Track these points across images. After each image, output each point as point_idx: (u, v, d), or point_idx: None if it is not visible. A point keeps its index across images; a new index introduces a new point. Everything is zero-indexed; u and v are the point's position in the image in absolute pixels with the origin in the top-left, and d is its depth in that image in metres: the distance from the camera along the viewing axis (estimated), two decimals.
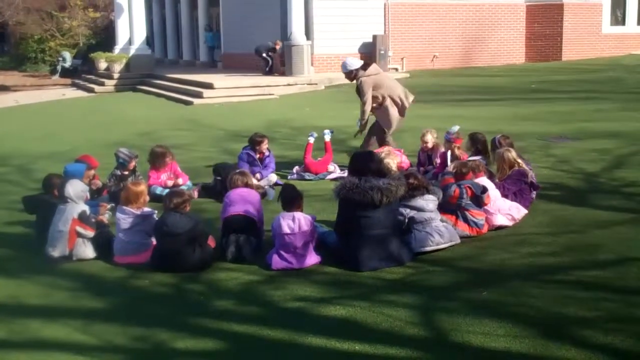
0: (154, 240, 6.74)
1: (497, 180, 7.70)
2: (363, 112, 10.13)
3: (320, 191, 8.94)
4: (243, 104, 19.23)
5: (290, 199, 6.61)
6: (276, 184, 9.52)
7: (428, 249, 6.46)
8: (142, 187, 7.09)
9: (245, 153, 9.80)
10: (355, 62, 10.25)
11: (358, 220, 6.23)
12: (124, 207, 6.87)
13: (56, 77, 33.62)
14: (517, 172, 7.72)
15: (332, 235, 6.66)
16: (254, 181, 8.62)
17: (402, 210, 6.59)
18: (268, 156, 9.78)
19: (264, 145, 9.75)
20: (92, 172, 8.62)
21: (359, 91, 10.07)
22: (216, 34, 30.31)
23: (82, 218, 6.92)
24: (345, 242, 6.35)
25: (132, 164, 9.05)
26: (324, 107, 17.83)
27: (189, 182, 9.39)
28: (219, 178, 8.91)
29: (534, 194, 7.84)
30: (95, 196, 8.27)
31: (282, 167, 10.38)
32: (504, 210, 7.23)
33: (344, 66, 10.19)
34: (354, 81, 10.12)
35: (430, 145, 9.46)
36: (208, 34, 30.68)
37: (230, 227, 6.73)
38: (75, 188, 7.10)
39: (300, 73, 22.30)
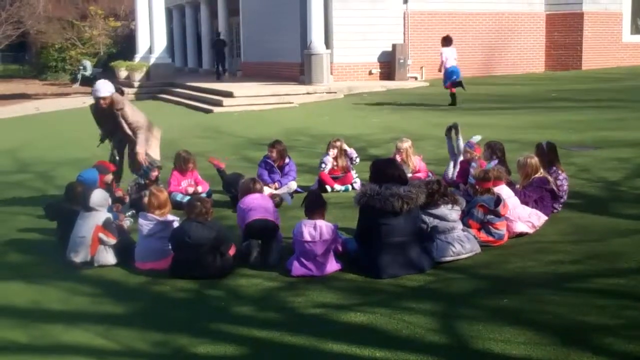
0: None
1: (518, 187, 7.68)
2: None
3: (340, 198, 8.96)
4: (263, 113, 19.30)
5: (314, 206, 6.62)
6: (296, 191, 9.54)
7: (448, 258, 6.46)
8: (166, 195, 7.16)
9: (264, 161, 9.84)
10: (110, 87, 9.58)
11: (378, 227, 6.23)
12: (147, 214, 6.93)
13: (77, 86, 33.93)
14: (538, 179, 7.69)
15: (352, 242, 6.66)
16: (272, 190, 8.68)
17: (426, 218, 6.59)
18: (288, 164, 9.78)
19: (274, 153, 9.71)
20: (110, 177, 8.65)
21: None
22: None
23: (106, 225, 6.98)
24: (366, 249, 6.35)
25: (155, 173, 9.13)
26: (343, 115, 17.85)
27: (208, 190, 9.44)
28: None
29: (559, 204, 7.81)
30: (115, 204, 8.31)
31: (301, 174, 10.39)
32: (524, 218, 7.21)
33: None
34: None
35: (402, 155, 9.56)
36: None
37: (253, 232, 6.77)
38: (99, 196, 7.17)
39: (319, 82, 22.36)
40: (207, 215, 6.72)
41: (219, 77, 27.78)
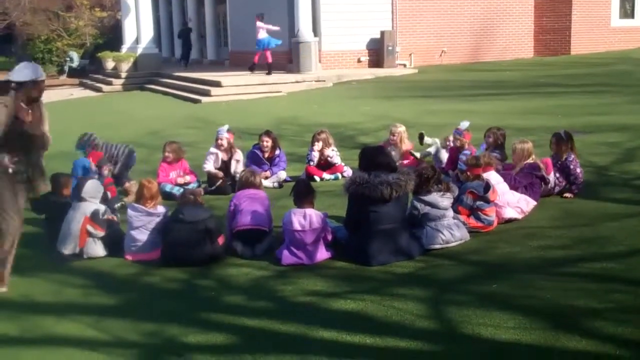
0: None
1: (513, 173, 7.73)
2: None
3: (330, 187, 8.96)
4: (251, 102, 19.25)
5: (303, 194, 6.62)
6: (285, 181, 9.54)
7: (437, 246, 6.48)
8: (156, 186, 7.14)
9: (252, 152, 9.83)
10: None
11: (367, 215, 6.24)
12: (136, 205, 6.91)
13: (64, 77, 33.73)
14: (529, 165, 7.73)
15: (342, 230, 6.67)
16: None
17: (417, 204, 6.61)
18: (278, 155, 9.78)
19: (269, 143, 9.71)
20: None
21: None
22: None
23: (93, 217, 6.96)
24: (355, 236, 6.36)
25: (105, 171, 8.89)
26: (332, 103, 17.83)
27: (196, 182, 9.42)
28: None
29: (577, 187, 7.90)
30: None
31: (290, 163, 10.37)
32: (512, 204, 7.24)
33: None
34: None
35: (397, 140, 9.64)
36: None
37: (242, 239, 6.75)
38: (91, 187, 7.16)
39: (308, 70, 22.29)
40: (197, 201, 6.81)
41: (185, 66, 27.67)
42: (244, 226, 6.73)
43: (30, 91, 6.18)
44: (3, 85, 6.18)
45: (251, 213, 6.79)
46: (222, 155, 9.53)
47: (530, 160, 7.80)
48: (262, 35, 22.18)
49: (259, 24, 22.34)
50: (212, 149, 9.58)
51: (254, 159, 9.77)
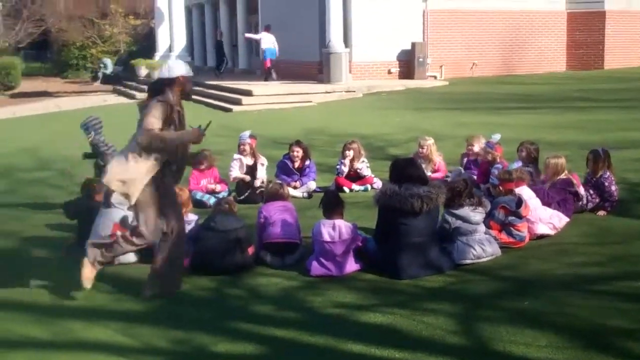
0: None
1: (546, 187, 7.66)
2: None
3: (359, 198, 8.95)
4: (282, 111, 19.32)
5: (332, 205, 6.61)
6: (314, 191, 9.54)
7: (468, 261, 6.42)
8: (187, 194, 7.18)
9: (282, 161, 9.86)
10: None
11: (398, 227, 6.21)
12: None
13: (97, 84, 34.17)
14: (562, 180, 7.65)
15: (371, 242, 6.64)
16: (291, 191, 8.65)
17: (448, 218, 6.57)
18: (308, 166, 9.78)
19: (299, 153, 9.73)
20: None
21: None
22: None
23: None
24: (385, 249, 6.33)
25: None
26: (361, 114, 17.83)
27: (226, 190, 9.46)
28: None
29: (611, 205, 7.82)
30: None
31: (320, 174, 10.37)
32: (545, 219, 7.16)
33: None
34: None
35: (476, 149, 9.35)
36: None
37: (272, 251, 6.76)
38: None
39: (338, 80, 22.33)
40: (231, 210, 6.87)
41: (217, 75, 27.94)
42: (275, 239, 6.72)
43: (185, 85, 6.03)
44: (156, 86, 6.01)
45: (282, 226, 6.78)
46: (246, 161, 9.60)
47: (563, 176, 7.72)
48: (267, 45, 24.65)
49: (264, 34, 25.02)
50: (236, 155, 9.67)
51: (283, 168, 9.79)
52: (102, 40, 39.03)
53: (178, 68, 5.98)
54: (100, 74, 35.26)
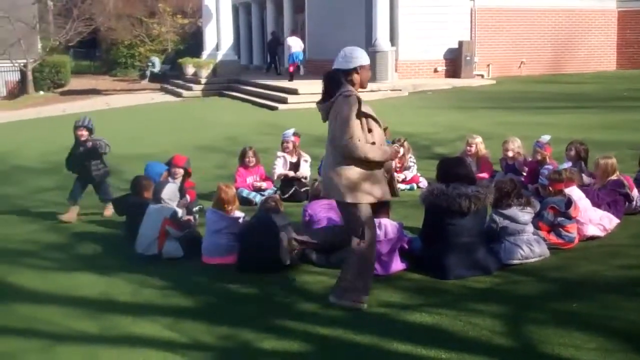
0: None
1: (595, 188, 7.53)
2: None
3: (405, 197, 8.89)
4: None
5: (378, 205, 6.58)
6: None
7: (515, 261, 6.34)
8: (234, 191, 7.24)
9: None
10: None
11: (445, 227, 6.16)
12: (215, 210, 7.01)
13: (145, 82, 34.64)
14: (613, 182, 7.51)
15: (417, 242, 6.61)
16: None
17: (496, 217, 6.50)
18: None
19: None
20: (179, 170, 8.47)
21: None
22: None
23: (174, 218, 7.11)
24: (431, 249, 6.29)
25: (78, 132, 9.14)
26: (407, 113, 17.74)
27: (272, 188, 9.51)
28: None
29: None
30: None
31: None
32: (595, 221, 7.04)
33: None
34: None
35: (510, 155, 9.24)
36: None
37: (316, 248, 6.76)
38: (170, 190, 7.33)
39: (384, 79, 22.28)
40: (278, 208, 6.92)
41: (266, 71, 28.00)
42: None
43: (366, 74, 5.65)
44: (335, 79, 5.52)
45: (327, 224, 6.79)
46: (289, 158, 9.66)
47: (614, 177, 7.58)
48: (296, 49, 25.89)
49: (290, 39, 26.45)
50: (279, 153, 9.72)
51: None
52: (150, 39, 39.53)
53: (359, 57, 5.59)
54: (148, 73, 35.73)
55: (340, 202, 5.47)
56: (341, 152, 5.35)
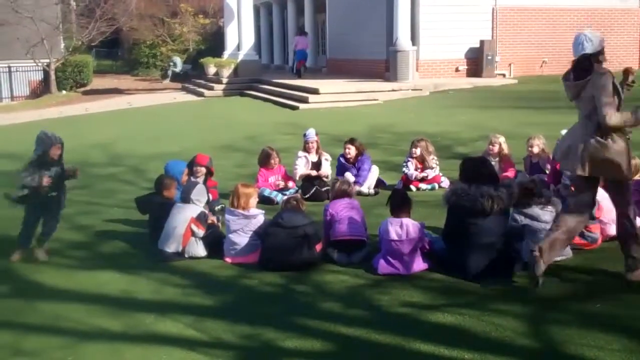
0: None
1: None
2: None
3: (427, 197, 8.89)
4: (347, 109, 19.33)
5: (399, 204, 6.59)
6: (380, 187, 9.52)
7: None
8: (251, 189, 7.25)
9: (338, 161, 9.88)
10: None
11: (467, 227, 6.14)
12: (233, 209, 7.04)
13: (167, 81, 34.83)
14: (637, 182, 7.44)
15: (439, 241, 6.59)
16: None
17: (517, 216, 6.48)
18: (361, 160, 9.67)
19: (347, 151, 9.67)
20: (202, 169, 8.55)
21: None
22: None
23: (200, 218, 7.16)
24: (454, 249, 6.27)
25: (55, 150, 7.45)
26: (428, 112, 17.70)
27: (294, 187, 9.52)
28: None
29: None
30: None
31: (385, 172, 10.33)
32: None
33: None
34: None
35: (535, 151, 9.19)
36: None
37: (337, 247, 6.78)
38: (200, 191, 7.40)
39: (405, 78, 22.21)
40: (299, 206, 6.96)
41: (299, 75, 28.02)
42: (342, 236, 6.74)
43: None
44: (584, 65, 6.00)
45: (348, 223, 6.80)
46: (311, 158, 9.70)
47: (639, 177, 7.50)
48: (300, 47, 27.33)
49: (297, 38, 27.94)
50: (300, 153, 9.74)
51: (340, 168, 9.77)
52: (172, 39, 39.74)
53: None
54: (169, 72, 35.92)
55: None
56: (603, 123, 5.78)
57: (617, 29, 25.70)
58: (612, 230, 6.88)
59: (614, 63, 26.04)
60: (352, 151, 9.70)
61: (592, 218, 6.68)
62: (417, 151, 9.70)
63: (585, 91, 5.94)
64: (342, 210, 6.95)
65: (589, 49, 5.98)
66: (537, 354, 4.69)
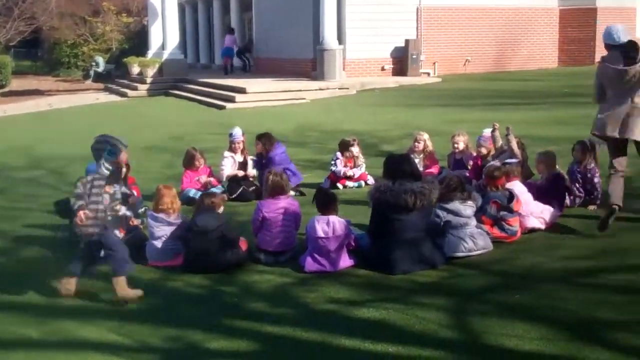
0: None
1: (539, 182, 7.70)
2: None
3: (354, 194, 8.96)
4: (275, 109, 19.32)
5: (326, 202, 6.62)
6: (298, 187, 9.44)
7: (460, 254, 6.46)
8: (174, 192, 7.14)
9: (253, 159, 9.75)
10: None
11: (391, 223, 6.24)
12: (156, 214, 6.92)
13: (89, 82, 34.07)
14: (553, 176, 7.69)
15: (365, 238, 6.66)
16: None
17: (440, 212, 6.61)
18: (271, 156, 9.38)
19: (258, 146, 9.51)
20: (124, 171, 8.44)
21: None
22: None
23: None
24: (378, 245, 6.36)
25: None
26: (354, 111, 17.86)
27: (219, 186, 9.45)
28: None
29: (597, 201, 7.87)
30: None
31: (313, 170, 10.37)
32: (536, 214, 7.20)
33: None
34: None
35: (461, 147, 9.39)
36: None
37: (266, 251, 6.75)
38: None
39: (332, 77, 22.33)
40: (214, 207, 6.76)
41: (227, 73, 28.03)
42: (273, 248, 6.70)
43: None
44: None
45: (282, 237, 6.71)
46: (237, 158, 9.62)
47: (554, 171, 7.75)
48: (227, 45, 28.82)
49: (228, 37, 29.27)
50: (227, 153, 9.62)
51: (255, 165, 9.68)
52: (94, 38, 38.90)
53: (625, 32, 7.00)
54: (92, 72, 35.14)
55: None
56: None
57: (537, 28, 26.45)
58: (530, 223, 7.11)
59: (535, 61, 26.70)
60: (259, 147, 9.56)
61: (512, 212, 6.88)
62: (351, 151, 9.76)
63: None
64: (276, 215, 6.78)
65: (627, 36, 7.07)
66: (460, 345, 4.80)
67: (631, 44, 7.10)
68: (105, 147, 6.68)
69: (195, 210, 6.96)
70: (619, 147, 7.14)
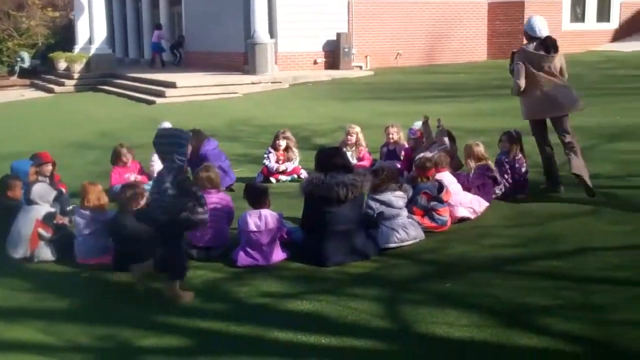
0: None
1: (465, 173, 7.83)
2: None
3: (287, 188, 8.95)
4: (206, 103, 19.13)
5: (256, 196, 6.59)
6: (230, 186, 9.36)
7: (392, 245, 6.52)
8: (100, 187, 6.98)
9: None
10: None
11: (323, 215, 6.25)
12: (82, 211, 6.77)
13: (14, 78, 33.05)
14: (482, 166, 7.84)
15: (298, 231, 6.66)
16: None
17: (372, 203, 6.65)
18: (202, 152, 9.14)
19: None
20: (49, 168, 8.23)
21: None
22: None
23: (45, 219, 6.83)
24: (311, 237, 6.36)
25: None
26: (288, 105, 17.83)
27: (148, 183, 9.28)
28: None
29: (526, 191, 8.04)
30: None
31: (245, 164, 10.32)
32: (465, 203, 7.33)
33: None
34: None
35: (395, 138, 9.49)
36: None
37: (198, 247, 6.65)
38: (40, 190, 7.02)
39: (264, 71, 22.23)
40: (138, 198, 6.45)
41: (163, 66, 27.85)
42: (205, 244, 6.61)
43: None
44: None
45: (214, 234, 6.62)
46: None
47: (482, 162, 7.90)
48: (155, 40, 29.19)
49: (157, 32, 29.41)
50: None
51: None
52: (19, 33, 37.80)
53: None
54: (17, 68, 34.14)
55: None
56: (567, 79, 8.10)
57: (467, 21, 26.88)
58: (459, 212, 7.23)
59: (464, 54, 27.10)
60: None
61: (442, 202, 6.99)
62: (283, 143, 9.72)
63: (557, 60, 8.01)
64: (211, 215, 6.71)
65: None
66: (392, 334, 4.85)
67: (551, 40, 8.22)
68: None
69: (118, 204, 6.70)
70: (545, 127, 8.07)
